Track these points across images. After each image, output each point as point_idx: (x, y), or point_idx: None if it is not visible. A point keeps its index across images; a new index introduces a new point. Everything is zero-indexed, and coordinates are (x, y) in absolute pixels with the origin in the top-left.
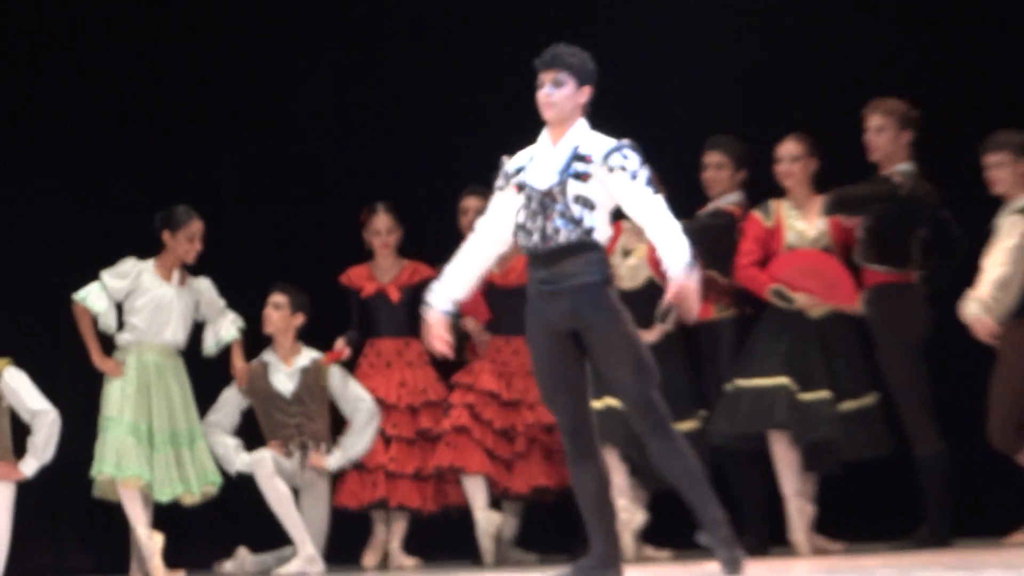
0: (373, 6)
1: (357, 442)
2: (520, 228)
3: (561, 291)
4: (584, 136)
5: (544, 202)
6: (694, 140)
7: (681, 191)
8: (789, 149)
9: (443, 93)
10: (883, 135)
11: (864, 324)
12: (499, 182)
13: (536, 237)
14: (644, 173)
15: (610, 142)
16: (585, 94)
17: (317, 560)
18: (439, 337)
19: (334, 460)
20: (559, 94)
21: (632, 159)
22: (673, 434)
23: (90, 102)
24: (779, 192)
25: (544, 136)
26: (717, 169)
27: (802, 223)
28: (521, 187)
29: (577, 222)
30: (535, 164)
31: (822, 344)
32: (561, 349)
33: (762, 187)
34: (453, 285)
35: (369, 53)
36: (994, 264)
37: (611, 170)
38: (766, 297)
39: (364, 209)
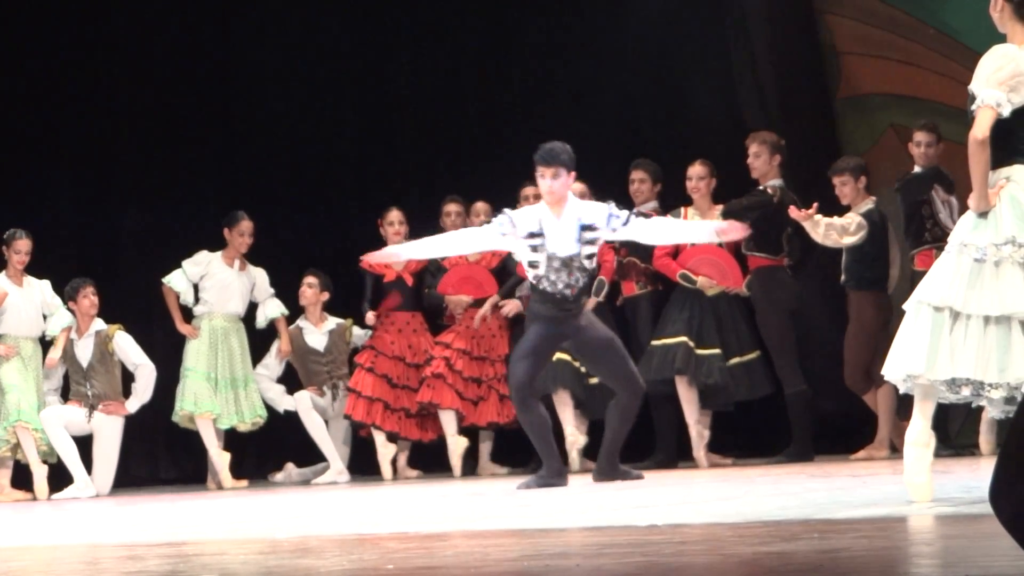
0: (391, 38)
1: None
2: (543, 278)
3: (570, 315)
4: (581, 208)
5: (566, 262)
6: (626, 162)
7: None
8: (696, 171)
9: (432, 126)
10: (760, 159)
11: (746, 300)
12: (505, 229)
13: (561, 286)
14: (631, 214)
15: (603, 209)
16: (572, 178)
17: (345, 472)
18: (382, 260)
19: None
20: (558, 184)
21: (621, 214)
22: (640, 396)
23: (169, 136)
24: (687, 201)
25: (545, 210)
26: (640, 183)
27: None
28: (536, 248)
29: (588, 271)
30: (552, 235)
31: (715, 314)
32: (551, 345)
33: (675, 197)
34: (415, 252)
35: (380, 91)
36: (842, 219)
37: (614, 230)
38: (676, 279)
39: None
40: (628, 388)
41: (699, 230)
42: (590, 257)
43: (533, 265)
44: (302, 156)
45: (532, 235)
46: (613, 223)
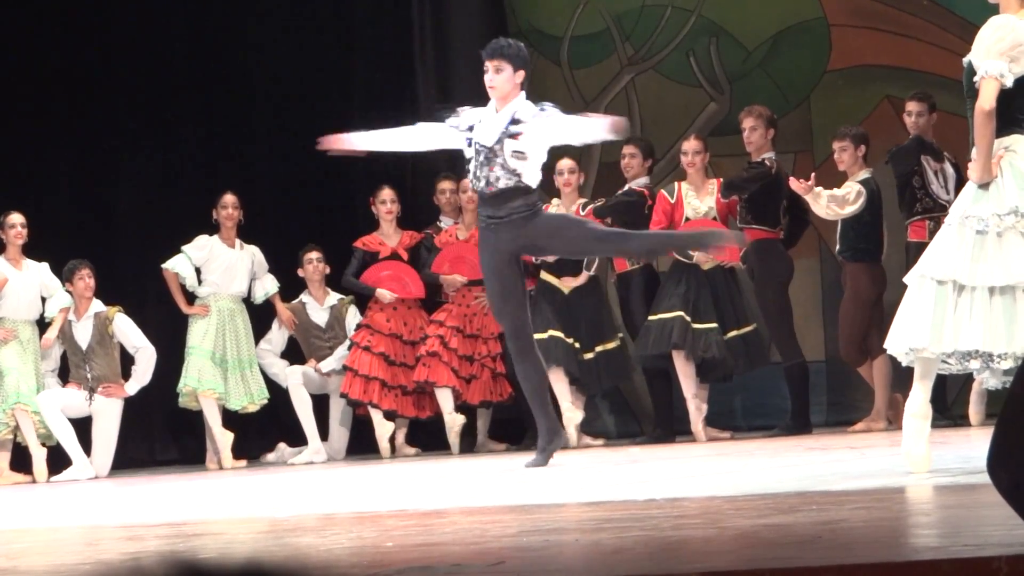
0: (382, 13)
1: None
2: (472, 175)
3: (503, 223)
4: (521, 105)
5: (488, 156)
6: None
7: (604, 175)
8: (692, 145)
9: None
10: (756, 132)
11: (742, 273)
12: (453, 121)
13: (482, 183)
14: (557, 109)
15: (537, 106)
16: (520, 76)
17: (322, 451)
18: (335, 144)
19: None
20: (500, 79)
21: (550, 107)
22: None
23: (162, 123)
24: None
25: (491, 104)
26: (631, 158)
27: (696, 200)
28: (470, 143)
29: (512, 171)
30: (482, 125)
31: (711, 288)
32: (508, 270)
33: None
34: (370, 141)
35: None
36: (841, 189)
37: (535, 117)
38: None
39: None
40: (606, 246)
41: (588, 126)
42: (516, 154)
43: (468, 161)
44: (294, 134)
45: (470, 128)
46: (536, 113)
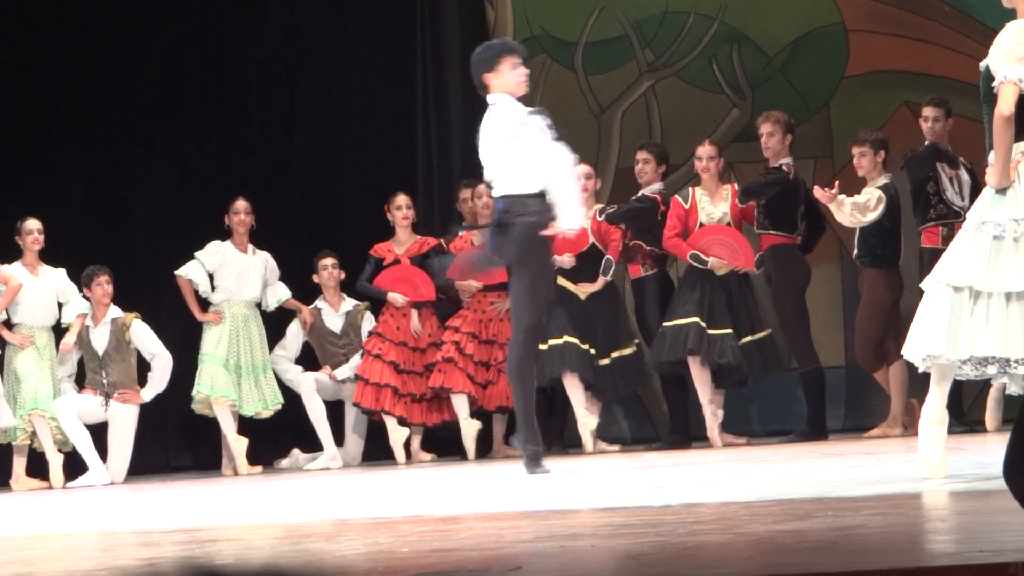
0: (398, 18)
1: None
2: None
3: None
4: None
5: None
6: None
7: (621, 181)
8: (706, 151)
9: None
10: (774, 138)
11: (756, 278)
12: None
13: None
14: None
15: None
16: (489, 77)
17: (338, 457)
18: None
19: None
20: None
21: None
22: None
23: (177, 130)
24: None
25: None
26: (644, 163)
27: (711, 206)
28: None
29: None
30: None
31: (725, 294)
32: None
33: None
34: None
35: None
36: (861, 196)
37: None
38: (686, 260)
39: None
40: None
41: None
42: None
43: None
44: (308, 140)
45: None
46: None
